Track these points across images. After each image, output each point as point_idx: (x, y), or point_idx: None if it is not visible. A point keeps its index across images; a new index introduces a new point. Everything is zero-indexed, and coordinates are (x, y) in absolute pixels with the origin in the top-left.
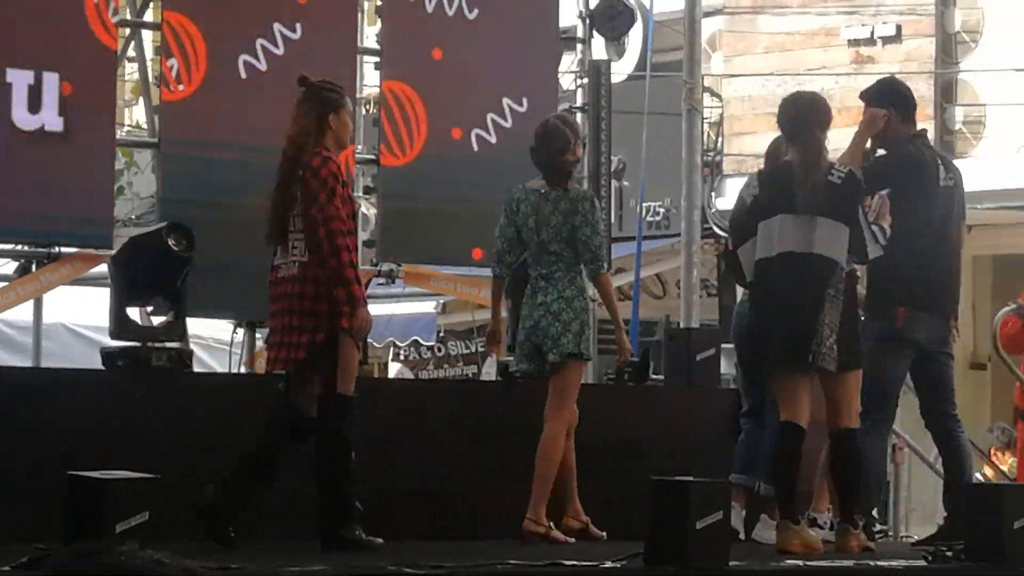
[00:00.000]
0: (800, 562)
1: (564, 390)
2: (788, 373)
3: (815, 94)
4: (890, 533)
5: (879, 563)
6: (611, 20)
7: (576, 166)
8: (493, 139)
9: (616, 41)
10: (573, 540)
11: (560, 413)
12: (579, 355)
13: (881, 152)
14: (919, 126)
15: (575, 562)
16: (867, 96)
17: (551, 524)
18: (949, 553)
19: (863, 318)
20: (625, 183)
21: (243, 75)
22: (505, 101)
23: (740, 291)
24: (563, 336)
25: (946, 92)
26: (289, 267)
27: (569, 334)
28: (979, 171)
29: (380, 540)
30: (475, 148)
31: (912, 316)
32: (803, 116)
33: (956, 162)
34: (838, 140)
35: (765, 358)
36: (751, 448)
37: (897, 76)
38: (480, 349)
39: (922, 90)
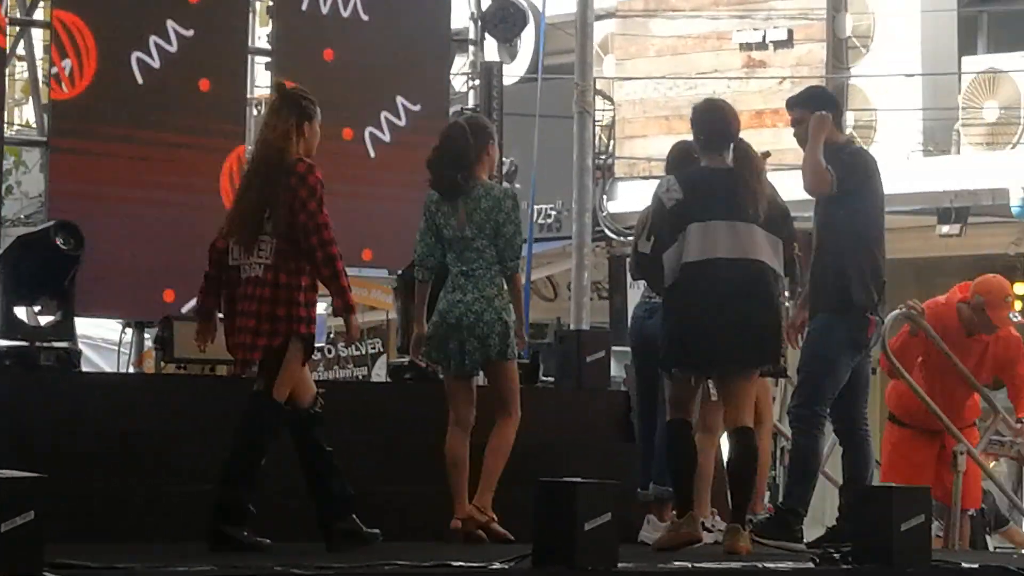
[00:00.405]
0: (688, 564)
1: (502, 389)
2: (735, 376)
3: (727, 103)
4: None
5: (767, 565)
6: (503, 22)
7: (494, 164)
8: (387, 138)
9: (508, 43)
10: (512, 538)
11: (507, 409)
12: (506, 357)
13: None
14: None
15: (463, 563)
16: (797, 102)
17: (494, 516)
18: (837, 555)
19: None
20: (517, 185)
21: (136, 73)
22: (399, 100)
23: (637, 294)
24: (489, 338)
25: (837, 96)
26: (252, 268)
27: (494, 336)
28: None
29: (267, 541)
30: (368, 147)
31: (864, 320)
32: (731, 125)
33: None
34: None
35: (706, 362)
36: None
37: (788, 80)
38: (371, 351)
39: None
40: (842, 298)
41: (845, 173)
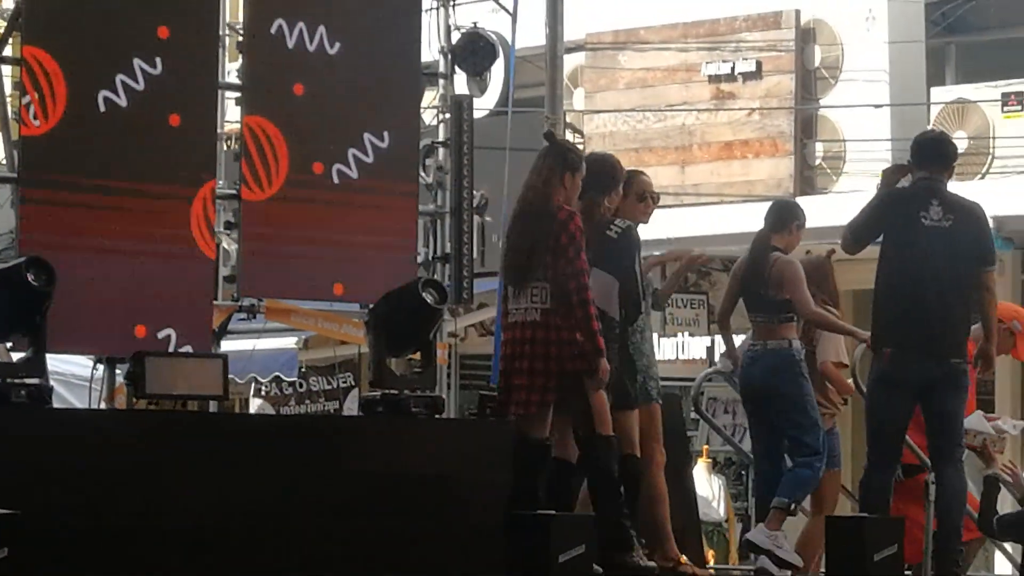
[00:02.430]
0: None
1: (623, 437)
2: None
3: (604, 159)
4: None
5: None
6: (473, 55)
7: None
8: (354, 174)
9: (478, 77)
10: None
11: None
12: (629, 404)
13: None
14: (784, 162)
15: None
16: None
17: (682, 557)
18: None
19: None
20: (488, 218)
21: (103, 110)
22: (366, 136)
23: None
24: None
25: (806, 128)
26: (529, 312)
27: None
28: (839, 206)
29: (654, 564)
30: (336, 182)
31: (899, 356)
32: (586, 179)
33: (813, 198)
34: (699, 175)
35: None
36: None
37: (757, 112)
38: (342, 384)
39: (782, 126)
40: (872, 337)
41: (870, 214)
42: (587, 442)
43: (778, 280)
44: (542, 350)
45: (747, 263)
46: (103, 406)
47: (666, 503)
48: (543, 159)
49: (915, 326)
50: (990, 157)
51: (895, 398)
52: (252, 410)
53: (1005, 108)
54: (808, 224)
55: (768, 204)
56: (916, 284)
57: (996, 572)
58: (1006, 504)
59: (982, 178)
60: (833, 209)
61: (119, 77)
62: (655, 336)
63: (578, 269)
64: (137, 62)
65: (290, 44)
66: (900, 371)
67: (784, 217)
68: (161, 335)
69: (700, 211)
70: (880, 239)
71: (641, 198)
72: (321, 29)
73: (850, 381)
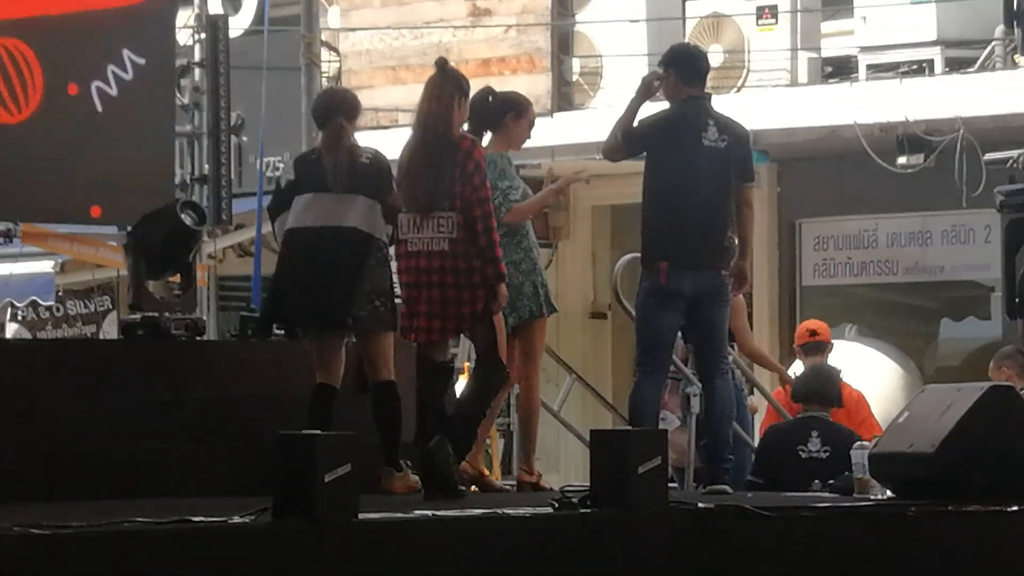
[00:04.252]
0: (429, 513)
1: (530, 349)
2: (323, 337)
3: (347, 90)
4: (511, 485)
5: (507, 511)
6: None
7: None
8: (114, 92)
9: None
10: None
11: (532, 371)
12: (539, 315)
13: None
14: (541, 78)
15: (203, 518)
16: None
17: (539, 474)
18: (575, 499)
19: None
20: (244, 138)
21: None
22: (126, 53)
23: None
24: (518, 300)
25: (563, 44)
26: (434, 242)
27: (523, 297)
28: (596, 122)
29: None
30: (96, 102)
31: (674, 271)
32: (327, 106)
33: (571, 114)
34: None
35: (297, 321)
36: None
37: (514, 28)
38: (100, 308)
39: (539, 42)
40: (642, 253)
41: (643, 135)
42: (486, 362)
43: None
44: (451, 279)
45: None
46: None
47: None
48: (440, 86)
49: (690, 241)
50: (745, 71)
51: (667, 310)
52: (8, 335)
53: (760, 21)
54: (566, 140)
55: None
56: (691, 202)
57: None
58: None
59: (738, 91)
60: (591, 125)
61: None
62: None
63: (483, 197)
64: None
65: None
66: (674, 283)
67: None
68: None
69: None
70: (647, 155)
71: (531, 125)
72: None
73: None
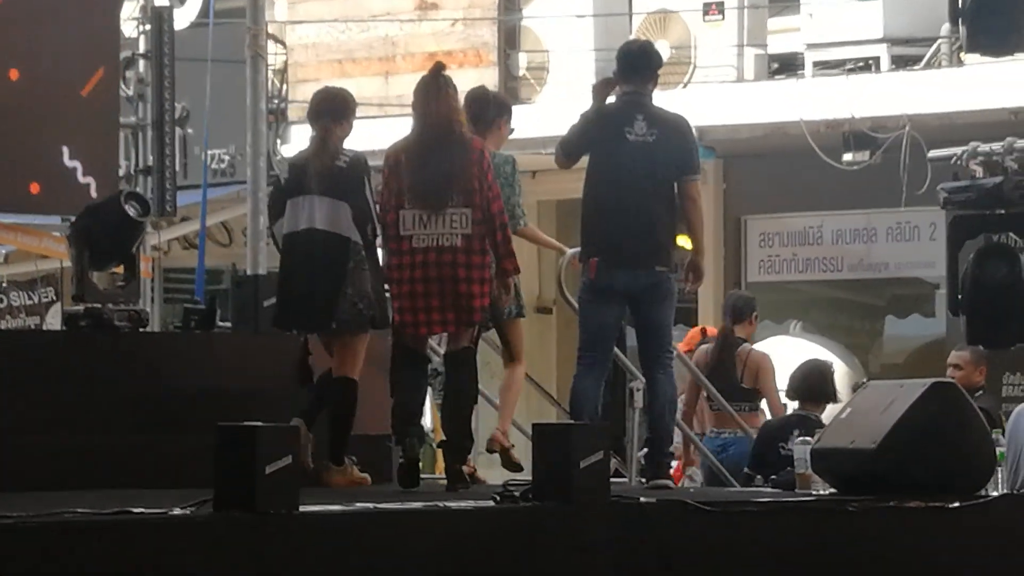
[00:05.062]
0: (371, 505)
1: (513, 346)
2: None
3: (339, 90)
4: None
5: (448, 504)
6: None
7: (506, 138)
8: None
9: None
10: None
11: (518, 360)
12: (518, 315)
13: None
14: (488, 73)
15: (144, 509)
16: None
17: (475, 466)
18: (517, 493)
19: None
20: (189, 130)
21: None
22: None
23: None
24: (499, 300)
25: (510, 38)
26: (447, 238)
27: (519, 300)
28: (542, 117)
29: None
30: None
31: (604, 266)
32: (316, 108)
33: (518, 108)
34: (404, 86)
35: (291, 326)
36: None
37: (461, 22)
38: (44, 299)
39: (485, 36)
40: (581, 249)
41: (576, 132)
42: (466, 353)
43: (753, 372)
44: (464, 273)
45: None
46: None
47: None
48: (444, 89)
49: (618, 237)
50: (692, 67)
51: (603, 306)
52: None
53: (706, 17)
54: (513, 135)
55: None
56: (619, 198)
57: None
58: None
59: (684, 87)
60: (537, 120)
61: None
62: None
63: (498, 194)
64: None
65: None
66: (605, 280)
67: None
68: None
69: (405, 121)
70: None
71: (510, 131)
72: None
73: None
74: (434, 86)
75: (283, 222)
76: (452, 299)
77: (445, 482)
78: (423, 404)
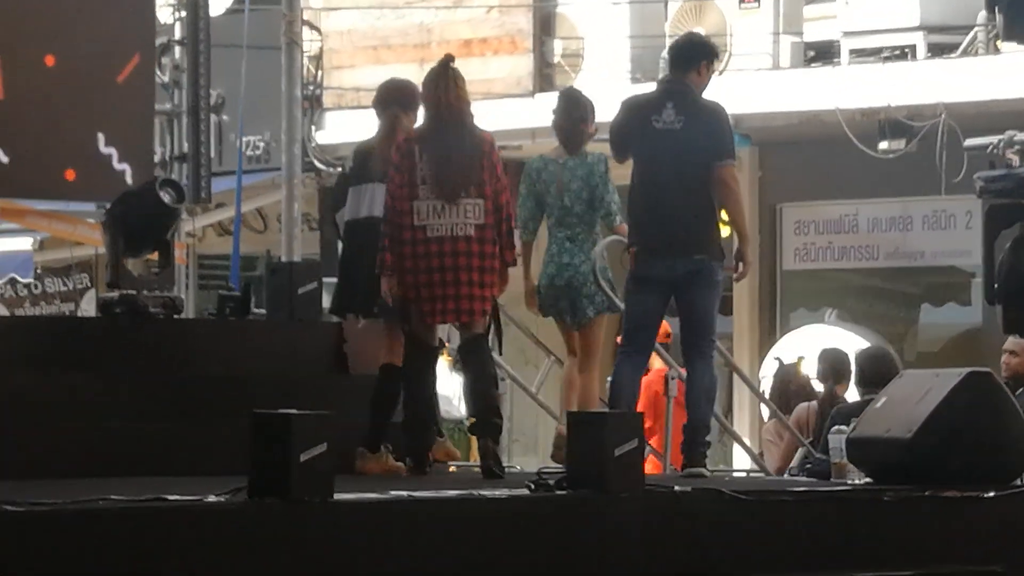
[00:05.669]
0: (405, 493)
1: (595, 341)
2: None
3: (407, 81)
4: (515, 468)
5: (483, 493)
6: None
7: (592, 137)
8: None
9: None
10: None
11: (593, 363)
12: (609, 310)
13: None
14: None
15: (178, 496)
16: None
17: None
18: (552, 481)
19: None
20: (225, 117)
21: None
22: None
23: None
24: (597, 295)
25: (545, 25)
26: (458, 227)
27: (600, 293)
28: None
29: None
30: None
31: (644, 255)
32: (384, 97)
33: (553, 96)
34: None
35: (354, 308)
36: None
37: (496, 9)
38: (78, 286)
39: (520, 23)
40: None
41: (612, 127)
42: (478, 340)
43: None
44: (477, 262)
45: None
46: None
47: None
48: (451, 79)
49: (654, 226)
50: (728, 55)
51: (644, 295)
52: None
53: (742, 5)
54: (547, 122)
55: (504, 102)
56: (652, 186)
57: (735, 466)
58: None
59: (720, 75)
60: None
61: None
62: None
63: (505, 186)
64: None
65: None
66: (645, 269)
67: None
68: None
69: None
70: None
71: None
72: None
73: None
74: (444, 77)
75: (345, 210)
76: (466, 288)
77: (479, 469)
78: (434, 408)
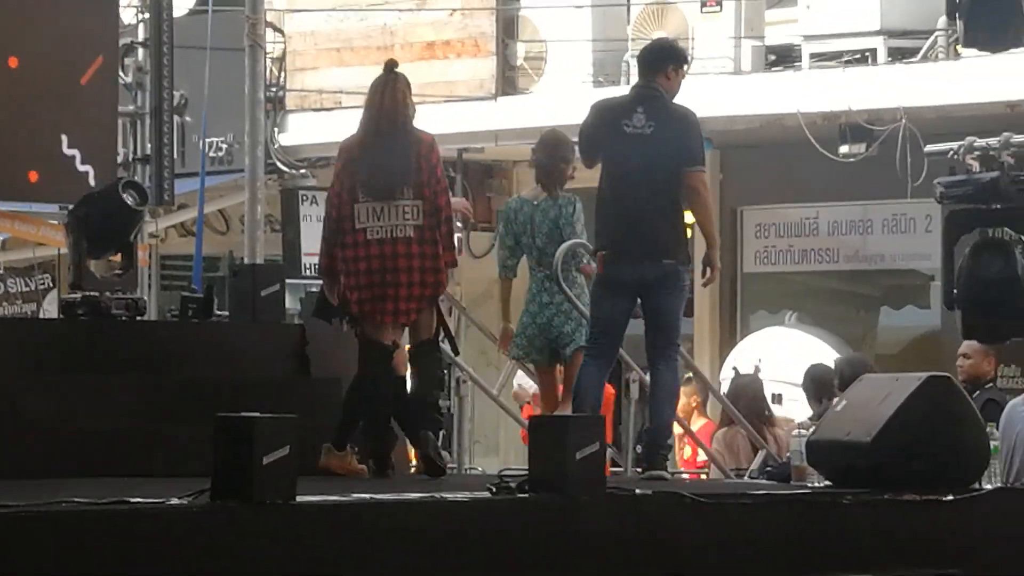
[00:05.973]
0: (367, 496)
1: (574, 376)
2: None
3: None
4: (453, 465)
5: (445, 495)
6: None
7: (570, 179)
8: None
9: None
10: None
11: (569, 395)
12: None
13: None
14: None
15: (140, 499)
16: None
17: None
18: (513, 484)
19: None
20: (187, 118)
21: None
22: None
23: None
24: (576, 332)
25: (508, 28)
26: (398, 229)
27: (582, 329)
28: (540, 107)
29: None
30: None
31: (611, 259)
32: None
33: (515, 99)
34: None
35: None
36: None
37: (459, 12)
38: (40, 286)
39: (483, 26)
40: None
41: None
42: (428, 344)
43: None
44: (418, 263)
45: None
46: None
47: None
48: (393, 85)
49: (622, 231)
50: (690, 58)
51: (611, 298)
52: None
53: (704, 8)
54: (510, 125)
55: (466, 105)
56: (621, 190)
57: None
58: None
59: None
60: (535, 110)
61: None
62: None
63: (445, 187)
64: None
65: None
66: (613, 273)
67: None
68: None
69: None
70: None
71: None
72: None
73: None
74: (383, 81)
75: None
76: (405, 289)
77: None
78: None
